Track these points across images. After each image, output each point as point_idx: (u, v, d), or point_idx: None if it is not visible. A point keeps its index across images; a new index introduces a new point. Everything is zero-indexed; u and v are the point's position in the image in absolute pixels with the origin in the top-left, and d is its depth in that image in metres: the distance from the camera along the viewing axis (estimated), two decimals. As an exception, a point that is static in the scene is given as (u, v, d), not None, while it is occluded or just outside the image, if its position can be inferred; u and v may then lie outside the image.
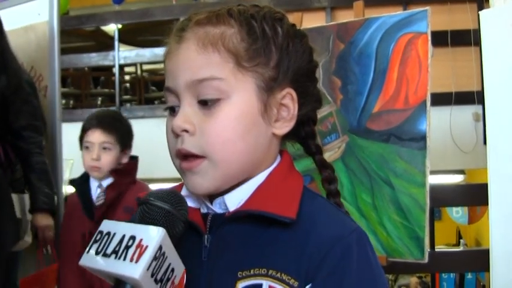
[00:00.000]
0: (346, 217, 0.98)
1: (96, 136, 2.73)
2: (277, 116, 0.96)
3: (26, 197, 2.75)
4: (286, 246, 0.91)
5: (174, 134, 0.94)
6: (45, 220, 2.71)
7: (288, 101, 0.96)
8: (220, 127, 0.91)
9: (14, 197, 2.63)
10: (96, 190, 2.75)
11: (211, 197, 0.97)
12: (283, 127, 0.97)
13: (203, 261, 0.94)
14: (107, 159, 2.74)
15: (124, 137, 2.86)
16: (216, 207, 0.97)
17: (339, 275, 0.88)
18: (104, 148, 2.74)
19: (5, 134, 2.67)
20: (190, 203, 0.98)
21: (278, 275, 0.88)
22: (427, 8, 2.41)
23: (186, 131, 0.92)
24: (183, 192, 1.00)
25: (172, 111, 0.96)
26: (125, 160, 2.83)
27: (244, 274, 0.90)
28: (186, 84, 0.92)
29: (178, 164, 0.95)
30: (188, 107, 0.93)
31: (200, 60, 0.92)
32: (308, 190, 0.98)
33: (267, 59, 0.94)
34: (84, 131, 2.77)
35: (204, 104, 0.92)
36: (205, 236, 0.95)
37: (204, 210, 0.98)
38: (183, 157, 0.94)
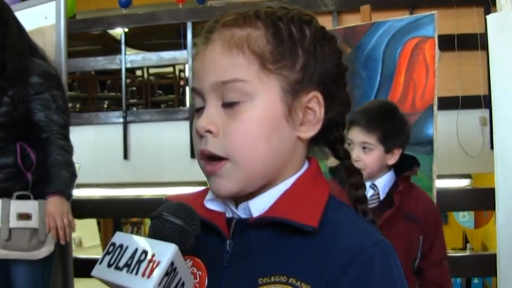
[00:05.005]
0: (371, 227, 0.97)
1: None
2: (302, 120, 0.95)
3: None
4: (308, 255, 0.90)
5: (198, 135, 0.94)
6: (53, 205, 2.52)
7: (314, 104, 0.95)
8: (243, 129, 0.91)
9: (33, 203, 2.59)
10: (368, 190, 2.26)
11: (237, 201, 0.97)
12: (309, 131, 0.95)
13: (224, 266, 0.94)
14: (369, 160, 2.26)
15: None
16: (241, 212, 0.96)
17: (360, 286, 0.87)
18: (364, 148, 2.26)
19: (24, 133, 2.64)
20: (216, 207, 0.98)
21: (298, 283, 0.88)
22: (434, 12, 2.41)
23: (209, 132, 0.92)
24: (209, 196, 1.00)
25: (198, 111, 0.97)
26: (392, 161, 2.29)
27: (264, 281, 0.90)
28: (211, 85, 0.92)
29: (203, 166, 0.95)
30: (212, 108, 0.93)
31: (225, 62, 0.91)
32: (334, 199, 0.97)
33: (293, 62, 0.93)
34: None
35: (228, 105, 0.91)
36: (228, 241, 0.95)
37: (229, 214, 0.98)
38: (207, 159, 0.93)
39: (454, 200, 3.64)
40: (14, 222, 2.56)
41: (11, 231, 2.55)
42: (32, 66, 2.65)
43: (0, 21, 2.61)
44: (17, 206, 2.57)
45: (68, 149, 2.66)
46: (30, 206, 2.59)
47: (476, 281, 6.68)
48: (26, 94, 2.59)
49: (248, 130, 0.91)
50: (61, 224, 2.52)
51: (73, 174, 2.64)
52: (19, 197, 2.59)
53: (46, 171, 2.63)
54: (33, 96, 2.61)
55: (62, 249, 2.91)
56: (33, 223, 2.58)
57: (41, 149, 2.65)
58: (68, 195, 2.60)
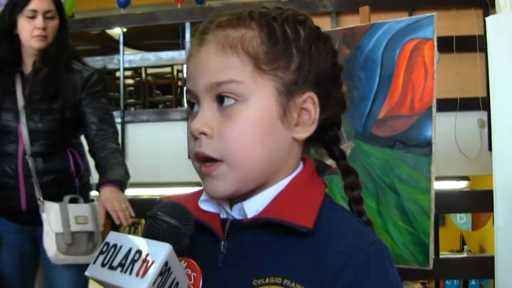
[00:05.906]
0: (367, 229, 0.97)
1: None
2: (297, 120, 0.94)
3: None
4: (303, 256, 0.89)
5: (192, 137, 0.93)
6: (108, 192, 2.45)
7: (309, 105, 0.94)
8: (238, 131, 0.90)
9: (85, 206, 2.56)
10: None
11: (231, 202, 0.96)
12: (304, 131, 0.95)
13: (219, 267, 0.93)
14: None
15: None
16: (235, 213, 0.95)
17: (356, 287, 0.87)
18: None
19: (72, 139, 2.67)
20: (210, 208, 0.98)
21: (293, 284, 0.87)
22: (434, 13, 2.40)
23: (204, 133, 0.91)
24: (203, 197, 0.99)
25: (192, 108, 0.96)
26: None
27: (259, 282, 0.89)
28: (205, 87, 0.91)
29: (198, 167, 0.95)
30: (207, 110, 0.92)
31: (219, 63, 0.91)
32: (329, 200, 0.97)
33: (287, 62, 0.92)
34: None
35: (223, 107, 0.91)
36: (222, 242, 0.94)
37: (223, 215, 0.97)
38: (201, 161, 0.93)
39: (452, 202, 3.63)
40: (74, 226, 2.51)
41: (74, 235, 2.50)
42: (88, 70, 2.76)
43: (61, 19, 2.71)
44: (72, 209, 2.53)
45: (121, 154, 2.69)
46: (84, 209, 2.57)
47: (473, 283, 6.69)
48: (76, 100, 2.61)
49: (243, 132, 0.90)
50: (119, 207, 2.42)
51: (128, 174, 2.60)
52: (70, 201, 2.55)
53: (88, 177, 2.69)
54: (86, 99, 2.63)
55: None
56: (89, 226, 2.54)
57: (92, 151, 2.66)
58: (123, 188, 2.53)
